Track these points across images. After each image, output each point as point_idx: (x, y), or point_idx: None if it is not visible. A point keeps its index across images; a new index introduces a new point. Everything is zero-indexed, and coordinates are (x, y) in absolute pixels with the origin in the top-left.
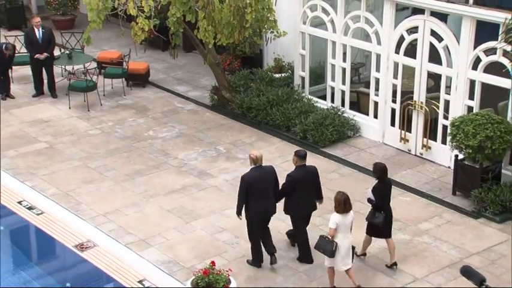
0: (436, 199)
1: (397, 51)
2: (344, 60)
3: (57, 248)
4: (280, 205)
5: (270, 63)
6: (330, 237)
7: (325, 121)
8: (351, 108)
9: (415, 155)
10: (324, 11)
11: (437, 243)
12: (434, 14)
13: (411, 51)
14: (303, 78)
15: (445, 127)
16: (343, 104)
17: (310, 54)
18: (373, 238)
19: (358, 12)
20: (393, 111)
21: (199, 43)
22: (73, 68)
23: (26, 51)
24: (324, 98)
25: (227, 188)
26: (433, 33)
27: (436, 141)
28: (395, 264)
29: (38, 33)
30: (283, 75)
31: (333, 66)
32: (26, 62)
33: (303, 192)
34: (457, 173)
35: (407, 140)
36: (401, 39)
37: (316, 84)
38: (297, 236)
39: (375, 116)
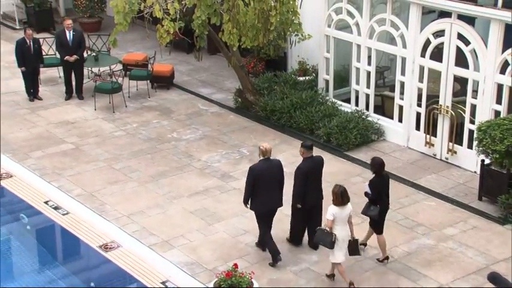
0: (461, 204)
1: (422, 55)
2: (369, 63)
3: (82, 248)
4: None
5: (294, 66)
6: (328, 229)
7: (349, 124)
8: (375, 111)
9: (441, 160)
10: (349, 14)
11: (462, 248)
12: (461, 17)
13: (437, 55)
14: (327, 82)
15: (471, 132)
16: (367, 108)
17: (334, 58)
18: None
19: (384, 15)
20: (418, 115)
21: (224, 46)
22: (99, 70)
23: (54, 53)
24: (348, 101)
25: None
26: (460, 36)
27: (462, 145)
28: (387, 258)
29: (69, 35)
30: (307, 78)
31: (358, 69)
32: (54, 64)
33: (312, 182)
34: (484, 178)
35: (433, 144)
36: (428, 42)
37: (341, 88)
38: (294, 223)
39: (400, 120)
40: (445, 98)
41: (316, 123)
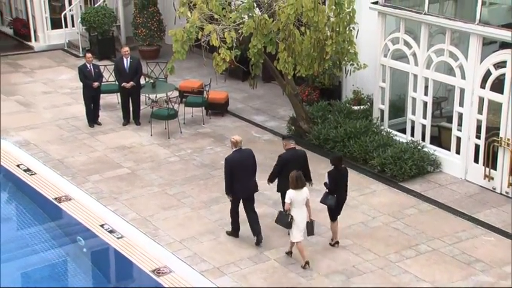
0: None
1: (482, 86)
2: (425, 93)
3: (135, 272)
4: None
5: (349, 95)
6: (287, 211)
7: (404, 155)
8: (432, 142)
9: (500, 194)
10: (406, 44)
11: None
12: None
13: (498, 86)
14: (382, 111)
15: None
16: (423, 138)
17: (390, 87)
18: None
19: (442, 45)
20: (477, 147)
21: (279, 74)
22: (156, 97)
23: (113, 79)
24: (403, 131)
25: None
26: None
27: None
28: (337, 243)
29: (126, 62)
30: (361, 107)
31: (414, 99)
32: (113, 90)
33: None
34: None
35: (492, 178)
36: (488, 73)
37: (396, 118)
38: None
39: (457, 152)
40: (506, 130)
41: (370, 153)
